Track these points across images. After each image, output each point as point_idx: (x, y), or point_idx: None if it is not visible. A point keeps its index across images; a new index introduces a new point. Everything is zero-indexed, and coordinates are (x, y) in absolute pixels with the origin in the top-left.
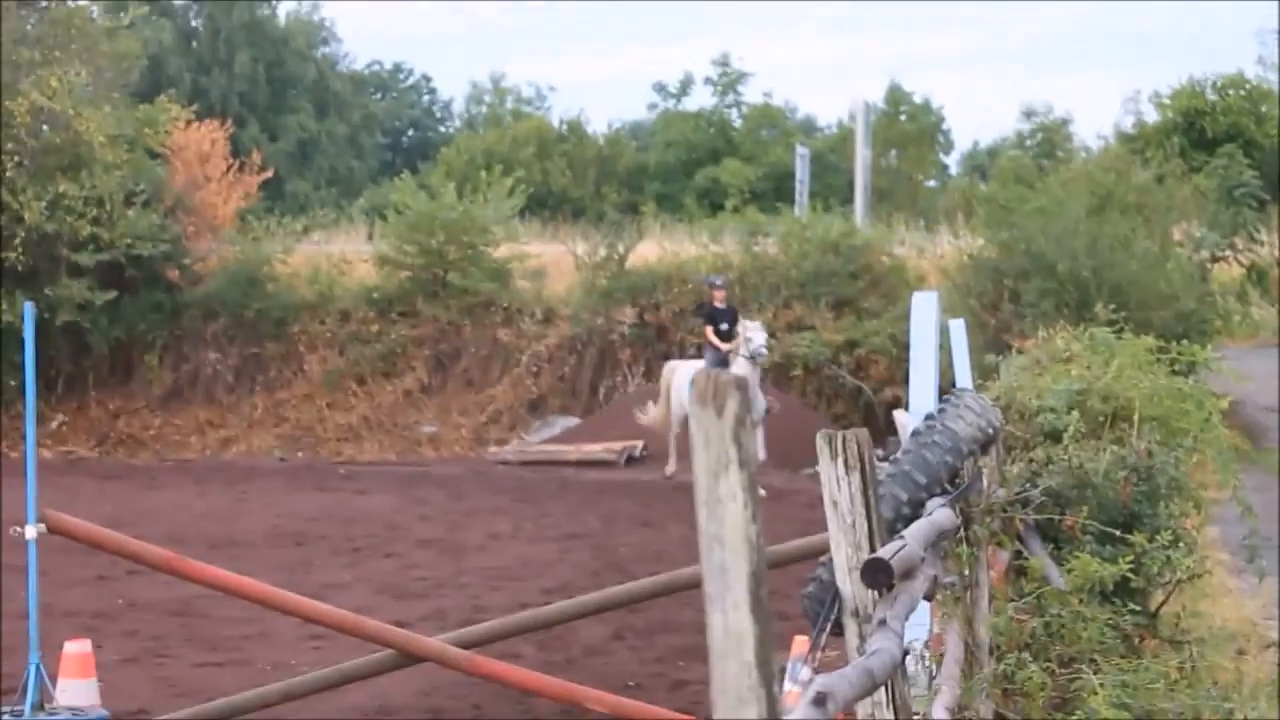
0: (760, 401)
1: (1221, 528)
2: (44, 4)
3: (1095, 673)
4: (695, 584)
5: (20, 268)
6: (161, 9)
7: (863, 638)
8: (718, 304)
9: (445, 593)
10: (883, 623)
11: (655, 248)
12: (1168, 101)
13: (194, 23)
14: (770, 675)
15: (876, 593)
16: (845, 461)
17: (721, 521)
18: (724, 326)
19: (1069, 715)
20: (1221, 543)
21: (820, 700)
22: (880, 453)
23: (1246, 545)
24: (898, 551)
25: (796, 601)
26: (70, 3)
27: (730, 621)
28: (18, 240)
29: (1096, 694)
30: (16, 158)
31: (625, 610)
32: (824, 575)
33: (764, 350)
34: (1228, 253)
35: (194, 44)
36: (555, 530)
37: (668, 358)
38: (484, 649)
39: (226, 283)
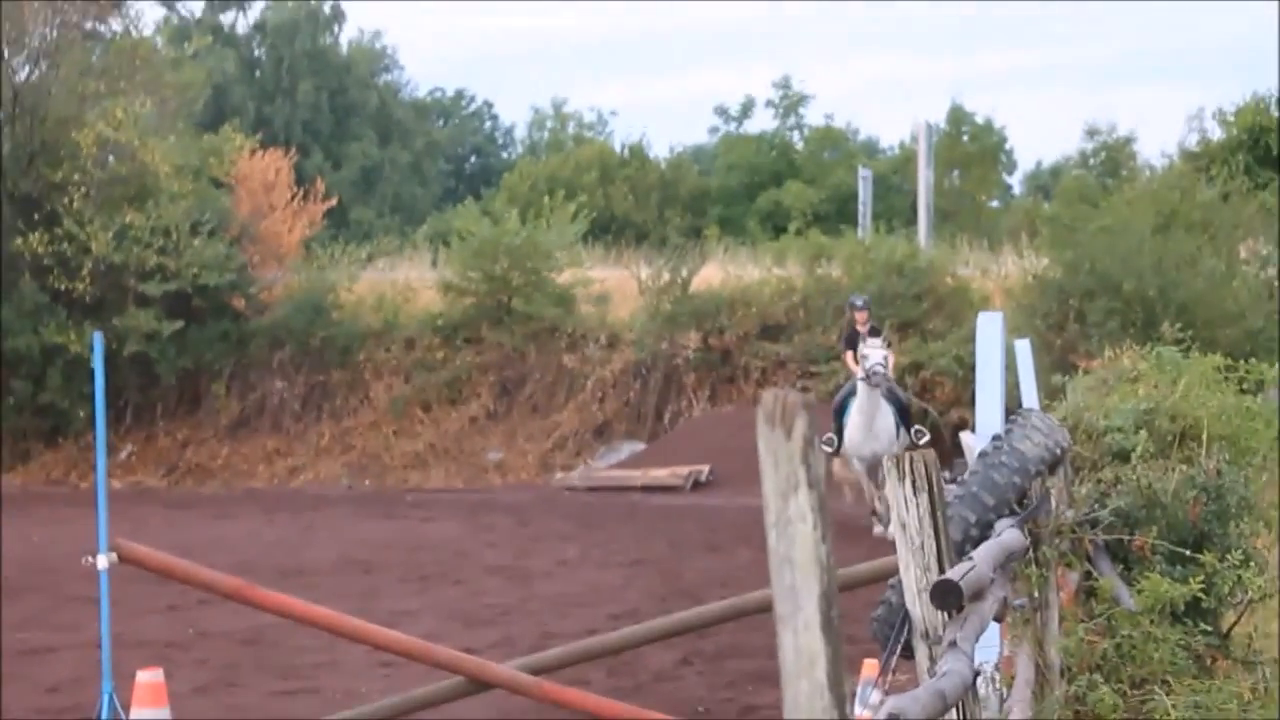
0: (885, 425)
1: None
2: (109, 36)
3: (1168, 694)
4: (764, 608)
5: (88, 298)
6: (225, 39)
7: (933, 659)
8: (859, 327)
9: (513, 619)
10: (953, 644)
11: (719, 271)
12: (1232, 118)
13: (257, 52)
14: (842, 696)
15: (946, 614)
16: (913, 483)
17: (792, 542)
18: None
19: None
20: None
21: None
22: (947, 475)
23: None
24: (967, 573)
25: (866, 625)
26: (135, 34)
27: (802, 642)
28: (85, 271)
29: (1169, 715)
30: (83, 188)
31: (694, 635)
32: (893, 598)
33: (879, 369)
34: None
35: (257, 73)
36: (622, 556)
37: (732, 381)
38: (553, 675)
39: (292, 311)
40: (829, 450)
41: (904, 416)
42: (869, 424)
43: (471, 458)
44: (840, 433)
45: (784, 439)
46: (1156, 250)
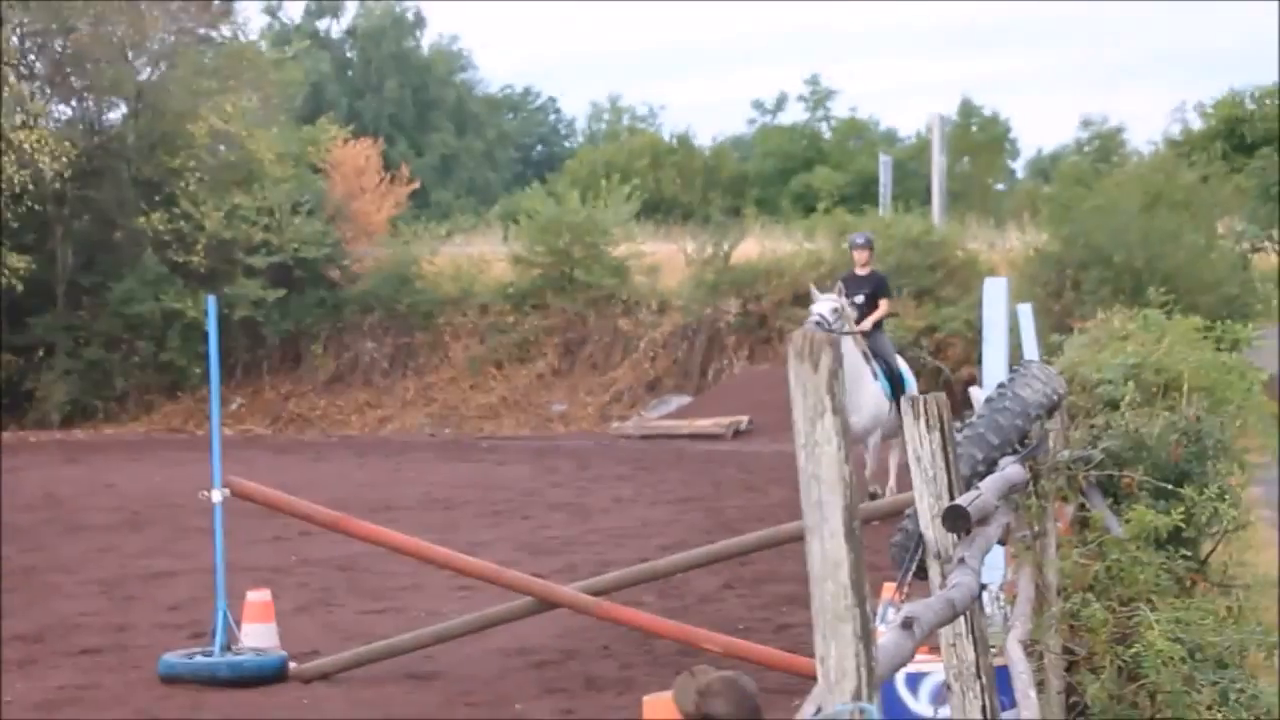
0: (869, 399)
1: (1263, 487)
2: (219, 40)
3: (1152, 610)
4: (796, 538)
5: (203, 270)
6: (320, 42)
7: (944, 577)
8: (858, 270)
9: (575, 549)
10: (962, 561)
11: (756, 246)
12: (1211, 111)
13: (349, 53)
14: (863, 596)
15: (956, 536)
16: (926, 422)
17: (819, 461)
18: (859, 299)
19: (1128, 647)
20: (1264, 500)
21: (908, 624)
22: (958, 424)
23: None
24: (974, 499)
25: (885, 554)
26: (242, 39)
27: (828, 549)
28: (199, 246)
29: (1153, 629)
30: (198, 174)
31: (734, 562)
32: (909, 526)
33: (821, 320)
34: (1266, 244)
35: (349, 72)
36: (671, 495)
37: (768, 342)
38: (610, 596)
39: (380, 281)
40: None
41: (897, 389)
42: (848, 393)
43: (538, 409)
44: None
45: (811, 371)
46: (1143, 226)
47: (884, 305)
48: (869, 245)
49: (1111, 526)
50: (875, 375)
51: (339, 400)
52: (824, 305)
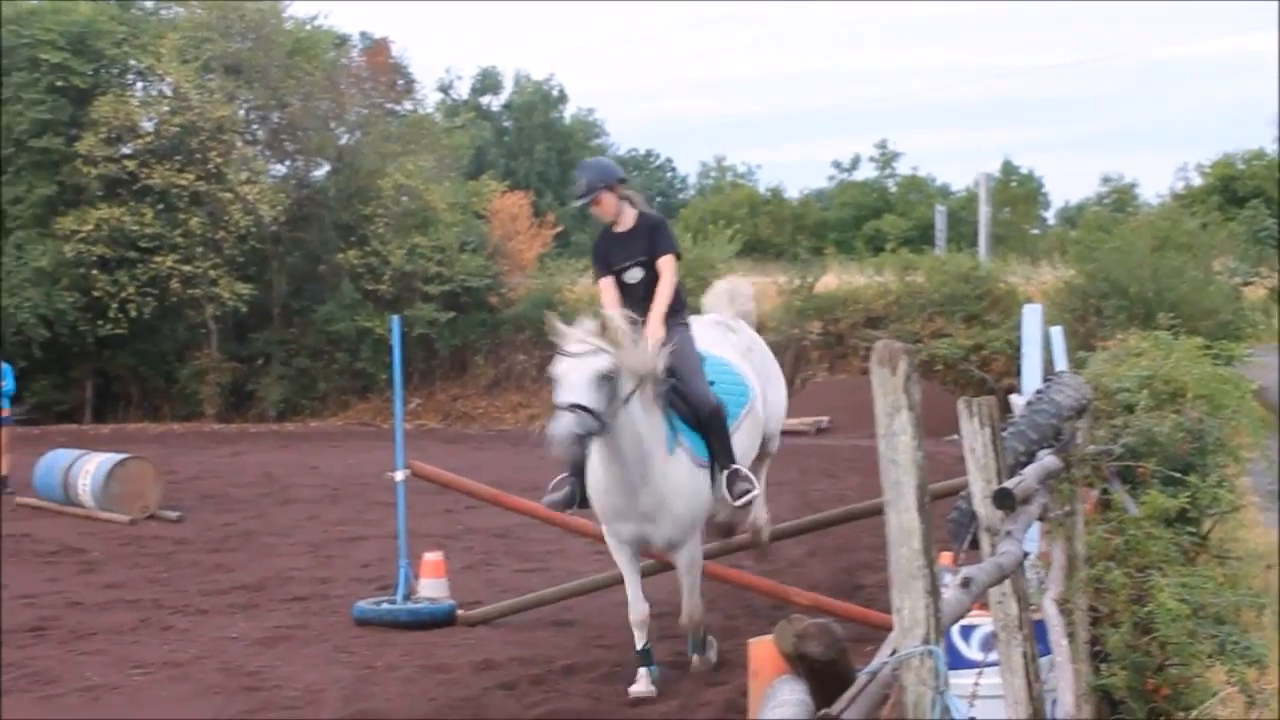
0: (673, 486)
1: (1253, 478)
2: (403, 113)
3: (1162, 577)
4: (869, 514)
5: (388, 296)
6: (483, 114)
7: (993, 546)
8: (615, 228)
9: None
10: (1008, 534)
11: (835, 279)
12: (1209, 170)
13: (506, 123)
14: (931, 559)
15: (1003, 514)
16: (979, 420)
17: (896, 448)
18: (632, 273)
19: (1143, 606)
20: (1253, 488)
21: (966, 583)
22: (1003, 424)
23: (1271, 489)
24: (1018, 483)
25: (943, 527)
26: (420, 112)
27: (903, 520)
28: (386, 277)
29: (1163, 592)
30: (385, 219)
31: (817, 534)
32: (963, 504)
33: (566, 423)
34: (1254, 279)
35: (506, 138)
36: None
37: (844, 357)
38: (718, 560)
39: (531, 306)
40: (560, 505)
41: (718, 447)
42: (631, 480)
43: None
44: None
45: (890, 375)
46: (1153, 264)
47: (667, 272)
48: (609, 183)
49: (1129, 507)
50: (676, 446)
51: (497, 401)
52: (578, 389)
